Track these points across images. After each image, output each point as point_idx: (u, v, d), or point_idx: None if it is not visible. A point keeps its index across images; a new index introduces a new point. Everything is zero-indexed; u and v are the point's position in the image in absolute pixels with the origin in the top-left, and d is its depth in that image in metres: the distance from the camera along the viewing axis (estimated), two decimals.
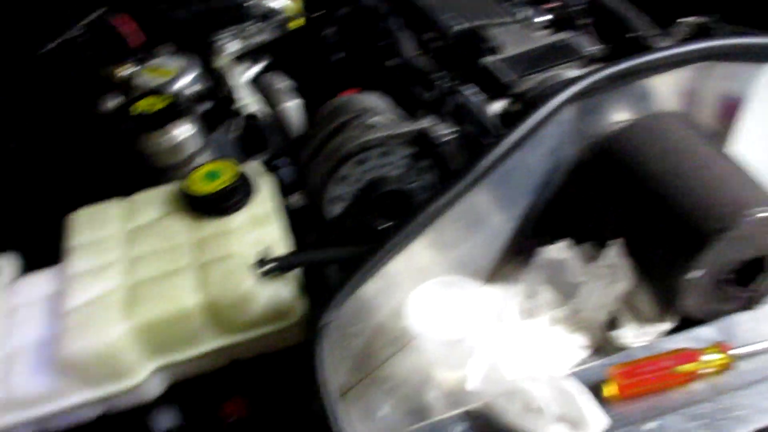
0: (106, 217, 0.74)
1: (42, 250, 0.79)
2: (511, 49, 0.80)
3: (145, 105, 0.75)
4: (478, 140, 0.76)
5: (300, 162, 0.87)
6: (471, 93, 0.77)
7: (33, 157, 0.83)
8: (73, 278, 0.69)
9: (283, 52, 1.22)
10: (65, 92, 0.87)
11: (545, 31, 0.87)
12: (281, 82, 1.12)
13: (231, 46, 1.11)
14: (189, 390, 0.75)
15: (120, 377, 0.66)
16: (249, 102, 0.95)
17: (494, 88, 0.76)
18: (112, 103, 0.82)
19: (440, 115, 0.79)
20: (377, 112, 0.78)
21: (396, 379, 0.72)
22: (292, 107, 1.07)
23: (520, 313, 0.74)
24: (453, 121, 0.78)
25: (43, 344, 0.67)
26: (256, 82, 1.17)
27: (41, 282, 0.72)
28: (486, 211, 0.74)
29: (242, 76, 1.09)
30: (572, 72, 0.80)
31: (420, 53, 0.90)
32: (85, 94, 0.83)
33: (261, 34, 1.13)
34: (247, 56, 1.20)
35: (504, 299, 0.75)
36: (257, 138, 0.92)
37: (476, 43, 0.80)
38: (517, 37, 0.82)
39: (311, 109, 1.10)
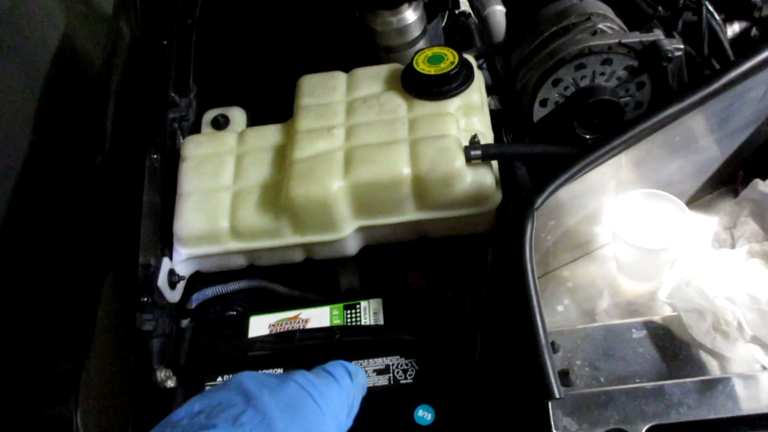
0: (332, 85, 0.81)
1: (268, 107, 0.88)
2: None
3: None
4: (708, 61, 0.74)
5: (507, 63, 0.88)
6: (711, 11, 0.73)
7: (269, 20, 0.91)
8: (301, 134, 0.76)
9: None
10: None
11: None
12: None
13: None
14: (378, 255, 0.83)
15: (329, 228, 0.74)
16: (462, 0, 0.97)
17: (737, 9, 0.72)
18: None
19: (669, 30, 0.77)
20: (604, 19, 0.77)
21: (577, 280, 0.75)
22: (499, 12, 1.08)
23: (714, 241, 0.73)
24: (682, 39, 0.75)
25: (267, 187, 0.76)
26: None
27: (269, 133, 0.81)
28: (701, 136, 0.73)
29: None
30: None
31: None
32: None
33: None
34: None
35: (702, 224, 0.74)
36: (466, 35, 0.94)
37: None
38: None
39: (515, 15, 1.10)
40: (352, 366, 0.59)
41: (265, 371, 0.69)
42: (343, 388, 0.56)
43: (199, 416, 0.48)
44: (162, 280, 0.72)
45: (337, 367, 0.58)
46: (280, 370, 0.69)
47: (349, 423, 0.57)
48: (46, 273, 0.80)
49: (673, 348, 0.62)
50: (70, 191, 0.81)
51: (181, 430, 0.47)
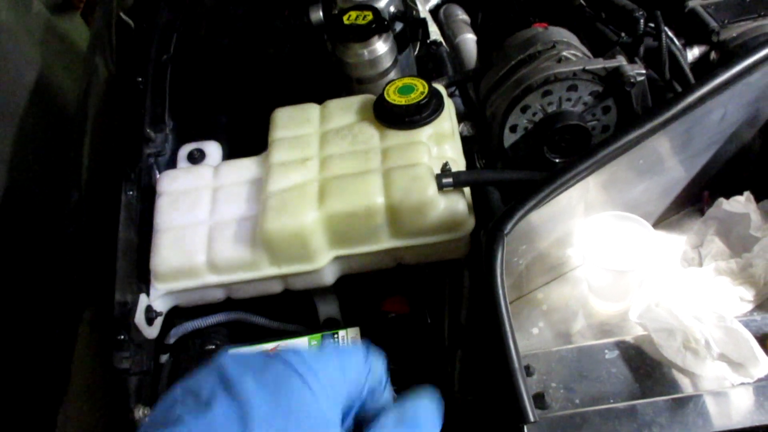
0: (305, 117, 0.82)
1: (242, 140, 0.89)
2: None
3: (354, 17, 0.81)
4: (670, 84, 0.76)
5: (478, 90, 0.90)
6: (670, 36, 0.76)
7: (242, 55, 0.93)
8: (275, 166, 0.77)
9: None
10: (276, 2, 0.95)
11: None
12: (462, 14, 1.15)
13: None
14: (355, 284, 0.83)
15: (306, 259, 0.74)
16: (433, 29, 0.99)
17: (697, 34, 0.75)
18: (315, 14, 0.89)
19: (631, 56, 0.79)
20: (568, 47, 0.79)
21: (551, 303, 0.76)
22: (470, 40, 1.10)
23: (682, 260, 0.75)
24: (644, 63, 0.78)
25: (243, 220, 0.77)
26: (434, 12, 1.21)
27: (244, 167, 0.82)
28: (665, 158, 0.75)
29: (426, 4, 1.13)
30: None
31: None
32: (294, 4, 0.91)
33: None
34: None
35: (670, 244, 0.76)
36: (438, 63, 0.96)
37: None
38: None
39: (485, 43, 1.13)
40: (373, 347, 0.49)
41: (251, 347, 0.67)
42: (349, 367, 0.46)
43: (174, 407, 0.42)
44: (139, 317, 0.72)
45: (349, 347, 0.52)
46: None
47: (375, 406, 0.47)
48: (22, 310, 0.80)
49: (645, 367, 0.64)
50: (46, 227, 0.82)
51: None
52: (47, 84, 1.08)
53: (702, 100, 0.67)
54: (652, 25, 0.81)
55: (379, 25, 0.81)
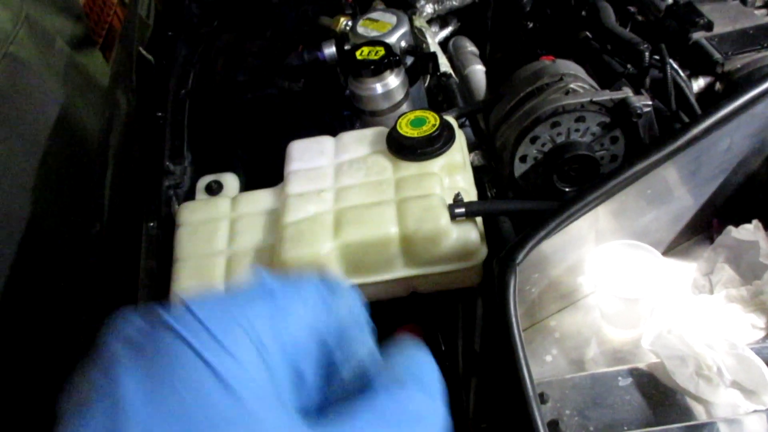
0: (320, 149, 0.84)
1: (259, 173, 0.92)
2: (722, 26, 0.80)
3: (367, 52, 0.83)
4: (676, 115, 0.78)
5: (487, 121, 0.93)
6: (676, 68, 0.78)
7: (258, 89, 0.96)
8: (292, 198, 0.79)
9: (471, 19, 1.28)
10: (288, 37, 0.98)
11: (762, 11, 0.86)
12: (470, 46, 1.18)
13: (428, 8, 1.18)
14: (370, 312, 0.84)
15: None
16: (443, 61, 1.02)
17: (701, 65, 0.77)
18: (329, 50, 0.92)
19: (637, 87, 0.81)
20: (576, 79, 0.81)
21: (564, 330, 0.77)
22: (479, 71, 1.13)
23: (693, 287, 0.76)
24: (650, 94, 0.79)
25: (260, 250, 0.79)
26: (443, 44, 1.24)
27: (261, 198, 0.84)
28: (674, 186, 0.76)
29: (436, 37, 1.16)
30: None
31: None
32: (305, 40, 0.94)
33: (454, 0, 1.20)
34: (436, 19, 1.28)
35: (680, 272, 0.77)
36: (448, 94, 0.99)
37: (690, 17, 0.81)
38: (730, 14, 0.82)
39: (494, 74, 1.16)
40: (335, 282, 0.37)
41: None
42: (294, 312, 0.33)
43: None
44: None
45: (294, 279, 0.35)
46: None
47: (350, 361, 0.34)
48: (44, 338, 0.82)
49: (658, 394, 0.64)
50: (69, 259, 0.84)
51: None
52: (69, 118, 1.11)
53: (708, 130, 0.68)
54: (657, 57, 0.83)
55: (391, 60, 0.84)
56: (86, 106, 1.19)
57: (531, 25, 1.07)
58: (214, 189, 0.88)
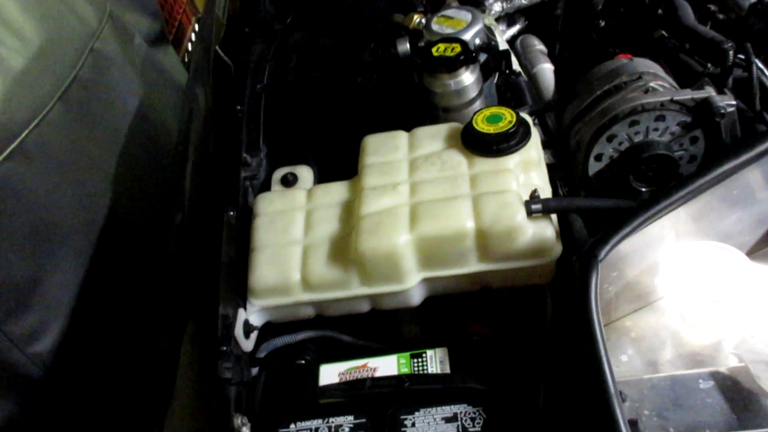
0: (394, 143, 0.86)
1: (333, 166, 0.93)
2: None
3: (443, 49, 0.84)
4: (760, 116, 0.76)
5: (560, 119, 0.92)
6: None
7: (331, 85, 0.98)
8: (367, 191, 0.81)
9: (539, 17, 1.28)
10: (362, 34, 1.00)
11: None
12: (539, 45, 1.18)
13: (496, 6, 1.18)
14: (438, 306, 0.85)
15: (395, 280, 0.77)
16: (513, 59, 1.02)
17: None
18: (402, 46, 0.93)
19: (720, 87, 0.79)
20: (655, 78, 0.80)
21: (640, 331, 0.76)
22: (548, 69, 1.13)
23: None
24: (733, 94, 0.78)
25: (336, 241, 0.80)
26: (511, 42, 1.24)
27: (336, 191, 0.86)
28: (758, 188, 0.74)
29: (504, 35, 1.16)
30: None
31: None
32: (381, 37, 0.95)
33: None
34: (504, 18, 1.28)
35: (764, 275, 0.75)
36: (517, 92, 0.98)
37: None
38: None
39: (563, 73, 1.15)
40: None
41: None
42: None
43: None
44: (238, 330, 0.76)
45: None
46: (351, 417, 0.71)
47: None
48: (131, 325, 0.85)
49: (742, 399, 0.63)
50: (153, 248, 0.88)
51: None
52: (147, 111, 1.16)
53: None
54: (740, 56, 0.82)
55: (467, 56, 0.85)
56: (162, 101, 1.24)
57: (603, 23, 1.05)
58: (289, 180, 0.90)
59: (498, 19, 1.26)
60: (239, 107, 0.93)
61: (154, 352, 0.74)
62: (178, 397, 0.71)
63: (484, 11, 1.13)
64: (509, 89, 1.03)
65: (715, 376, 0.65)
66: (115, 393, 0.79)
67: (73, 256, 0.93)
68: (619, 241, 0.64)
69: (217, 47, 1.09)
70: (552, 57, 1.18)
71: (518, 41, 1.19)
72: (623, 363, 0.73)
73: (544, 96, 1.09)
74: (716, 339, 0.70)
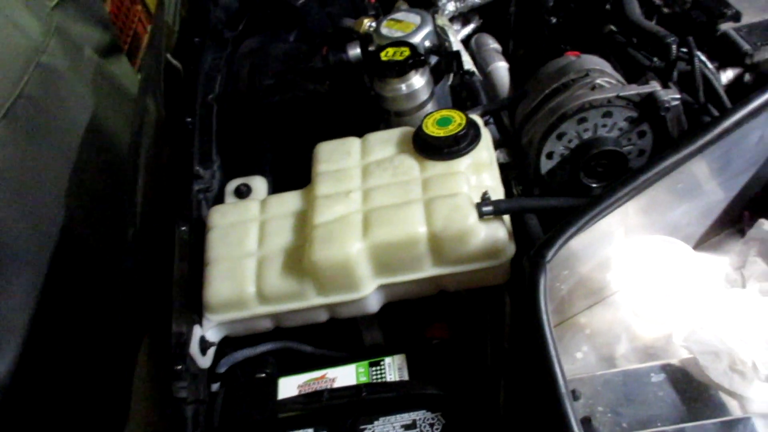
0: (346, 150, 0.85)
1: (287, 175, 0.93)
2: (751, 17, 0.79)
3: (392, 53, 0.84)
4: (705, 108, 0.77)
5: (513, 118, 0.92)
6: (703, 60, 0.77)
7: (284, 92, 0.97)
8: (320, 199, 0.80)
9: (492, 16, 1.28)
10: (313, 40, 0.99)
11: None
12: (493, 43, 1.18)
13: (450, 6, 1.18)
14: (399, 310, 0.85)
15: (351, 288, 0.77)
16: (466, 59, 1.02)
17: (729, 57, 0.76)
18: (353, 51, 0.92)
19: (665, 81, 0.80)
20: (602, 74, 0.81)
21: (594, 327, 0.76)
22: (502, 68, 1.13)
23: (725, 282, 0.75)
24: (678, 88, 0.79)
25: (291, 251, 0.80)
26: (466, 41, 1.24)
27: (289, 200, 0.85)
28: (704, 180, 0.75)
29: (458, 35, 1.16)
30: None
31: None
32: (329, 42, 0.94)
33: None
34: (458, 17, 1.28)
35: (712, 266, 0.76)
36: (471, 92, 0.99)
37: (718, 8, 0.80)
38: (759, 3, 0.81)
39: (518, 71, 1.15)
40: None
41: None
42: None
43: None
44: (194, 347, 0.75)
45: None
46: (311, 430, 0.71)
47: None
48: (82, 344, 0.84)
49: (692, 390, 0.64)
50: (107, 263, 0.86)
51: None
52: (100, 125, 1.14)
53: (739, 123, 0.68)
54: (684, 49, 0.83)
55: (416, 60, 0.84)
56: (116, 113, 1.22)
57: (554, 20, 1.06)
58: (243, 192, 0.89)
59: (452, 19, 1.26)
60: (189, 119, 0.91)
61: (109, 368, 0.72)
62: (134, 417, 0.70)
63: (437, 11, 1.13)
64: (464, 89, 1.03)
65: (666, 369, 0.66)
66: (72, 413, 0.77)
67: (25, 276, 0.91)
68: (566, 242, 0.64)
69: (169, 56, 1.07)
70: (506, 55, 1.19)
71: (473, 40, 1.20)
72: (578, 360, 0.73)
73: (500, 94, 1.09)
74: (667, 332, 0.71)
